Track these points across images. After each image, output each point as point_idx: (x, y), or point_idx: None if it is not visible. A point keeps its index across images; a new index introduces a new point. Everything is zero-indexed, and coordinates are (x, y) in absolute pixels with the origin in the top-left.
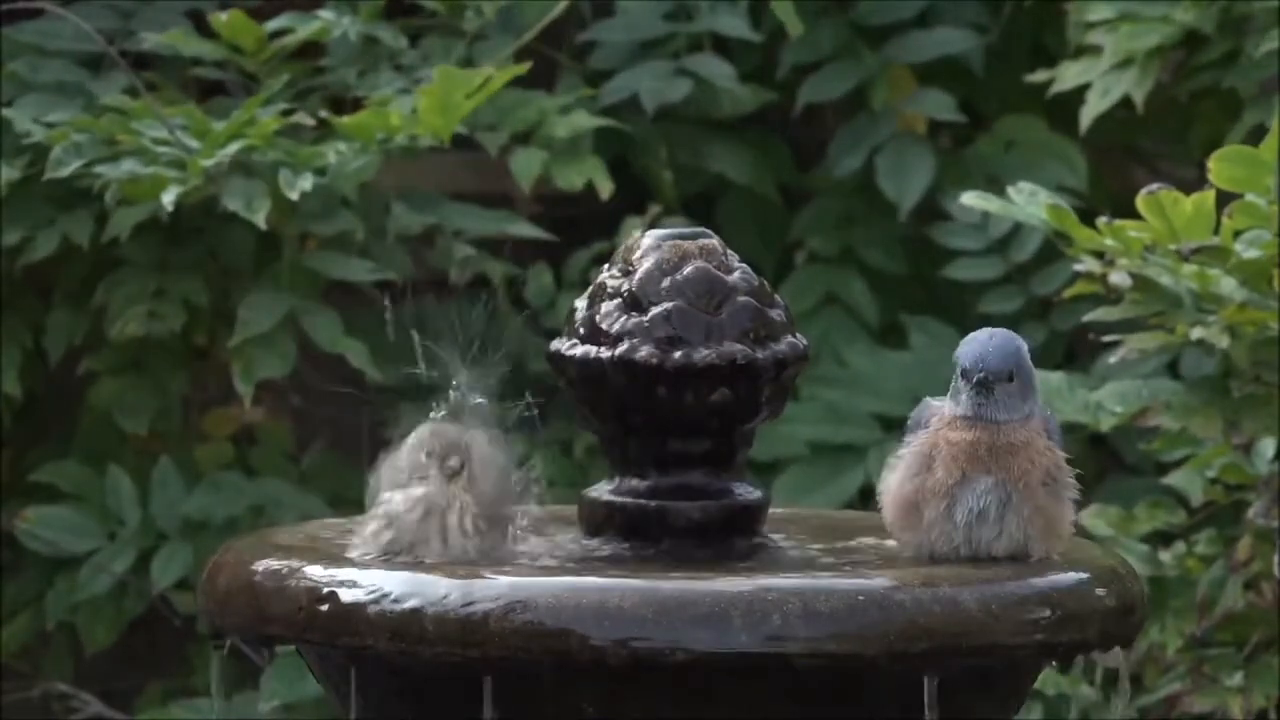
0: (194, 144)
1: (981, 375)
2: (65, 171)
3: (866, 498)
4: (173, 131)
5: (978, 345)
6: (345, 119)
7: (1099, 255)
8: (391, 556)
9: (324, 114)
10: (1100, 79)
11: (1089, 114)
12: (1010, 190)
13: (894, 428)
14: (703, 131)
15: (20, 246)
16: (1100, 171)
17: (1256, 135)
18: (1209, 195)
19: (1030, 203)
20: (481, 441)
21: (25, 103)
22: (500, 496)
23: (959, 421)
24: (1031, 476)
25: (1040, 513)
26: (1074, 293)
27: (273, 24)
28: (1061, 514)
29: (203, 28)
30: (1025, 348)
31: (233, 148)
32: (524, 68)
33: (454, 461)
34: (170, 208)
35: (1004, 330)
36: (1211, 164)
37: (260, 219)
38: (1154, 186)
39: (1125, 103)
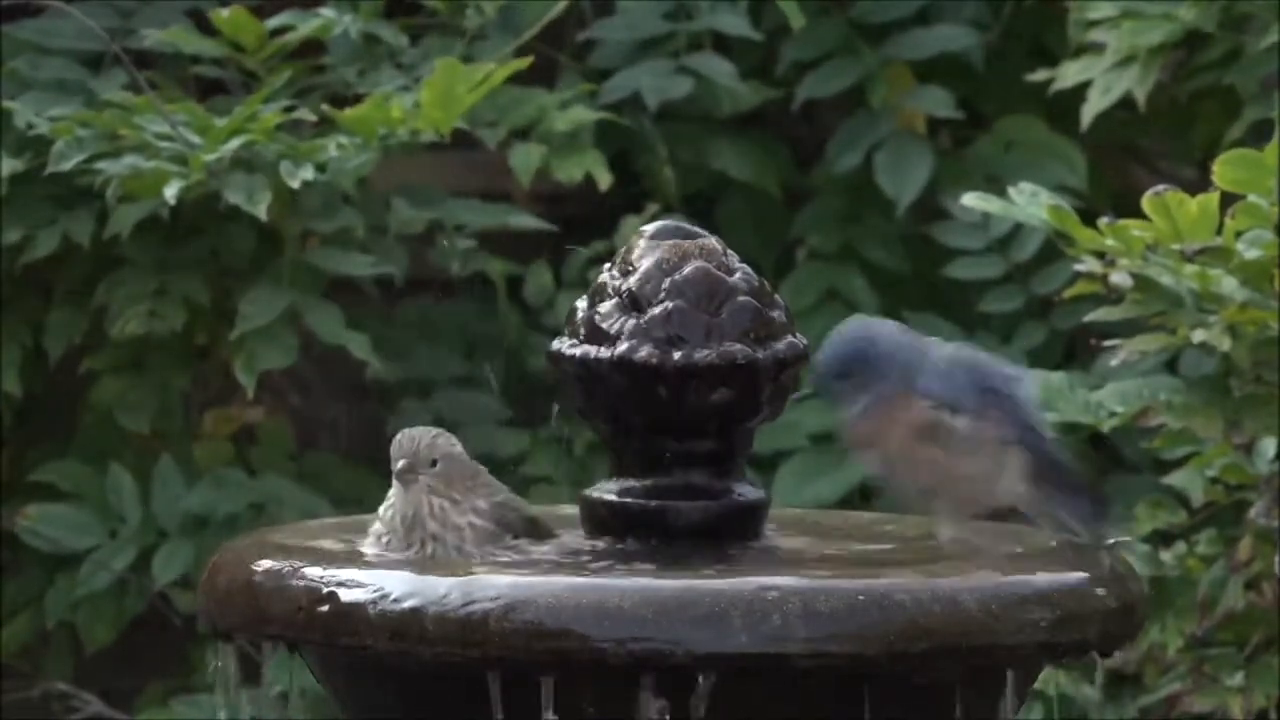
0: (196, 140)
1: (813, 385)
2: (68, 165)
3: (869, 490)
4: (175, 127)
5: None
6: (347, 111)
7: (1100, 255)
8: None
9: (325, 108)
10: (1102, 76)
11: (1090, 111)
12: (1011, 191)
13: None
14: (703, 129)
15: (21, 245)
16: (1100, 171)
17: (1257, 132)
18: (1213, 197)
19: (1031, 203)
20: (449, 441)
21: (25, 100)
22: (492, 495)
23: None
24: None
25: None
26: (1074, 293)
27: (273, 21)
28: (954, 464)
29: (203, 26)
30: (861, 340)
31: (235, 143)
32: (526, 62)
33: (402, 465)
34: (172, 202)
35: (841, 326)
36: (1215, 167)
37: (262, 211)
38: (1160, 188)
39: (1126, 102)
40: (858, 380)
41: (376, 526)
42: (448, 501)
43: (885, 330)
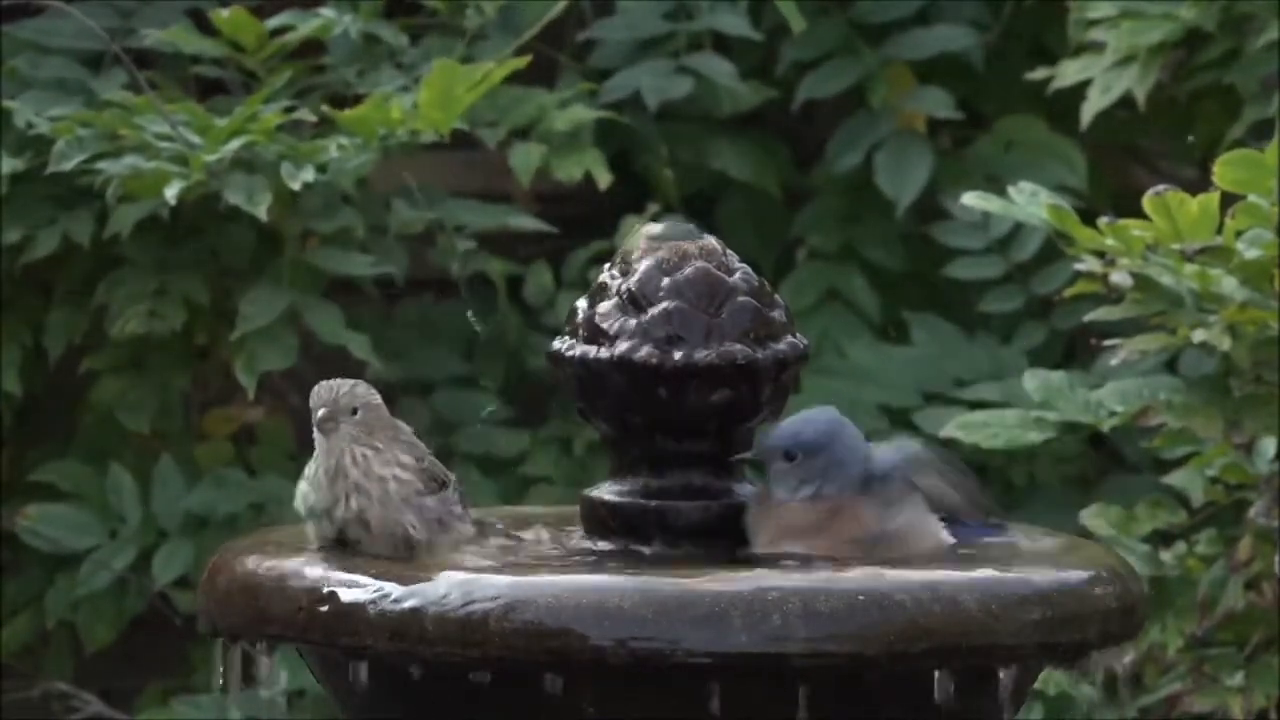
0: (196, 140)
1: (757, 452)
2: (68, 165)
3: None
4: (175, 127)
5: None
6: (346, 112)
7: (1100, 255)
8: (317, 520)
9: (325, 108)
10: (1102, 75)
11: (1090, 110)
12: (1011, 190)
13: (899, 420)
14: (703, 129)
15: (21, 245)
16: (1101, 171)
17: (1257, 132)
18: (1213, 197)
19: (1031, 203)
20: (368, 390)
21: (25, 100)
22: (415, 454)
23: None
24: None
25: None
26: (1074, 292)
27: (273, 21)
28: None
29: (203, 26)
30: (824, 435)
31: (235, 144)
32: (524, 61)
33: (323, 414)
34: (173, 203)
35: (813, 412)
36: (1215, 167)
37: (262, 211)
38: (1160, 188)
39: (1126, 102)
40: (804, 468)
41: (302, 486)
42: (370, 450)
43: (848, 432)
